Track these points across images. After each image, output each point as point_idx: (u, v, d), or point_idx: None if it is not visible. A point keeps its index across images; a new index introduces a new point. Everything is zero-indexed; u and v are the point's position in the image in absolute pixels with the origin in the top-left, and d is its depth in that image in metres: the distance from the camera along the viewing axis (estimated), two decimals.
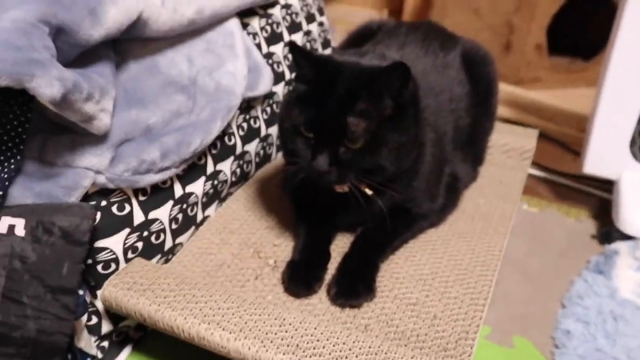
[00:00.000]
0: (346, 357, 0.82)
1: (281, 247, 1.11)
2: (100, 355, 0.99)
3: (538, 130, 1.62)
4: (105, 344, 1.00)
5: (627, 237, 1.40)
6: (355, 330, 0.92)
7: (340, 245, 1.11)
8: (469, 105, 1.29)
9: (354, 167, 0.93)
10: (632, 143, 1.48)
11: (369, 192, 1.00)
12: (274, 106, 1.33)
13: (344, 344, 0.84)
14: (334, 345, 0.84)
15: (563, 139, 2.01)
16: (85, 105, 0.80)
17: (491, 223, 1.21)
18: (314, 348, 0.84)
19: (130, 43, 0.99)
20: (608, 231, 1.44)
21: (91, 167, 0.88)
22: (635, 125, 1.45)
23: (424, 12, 2.69)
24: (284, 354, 0.83)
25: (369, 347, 0.84)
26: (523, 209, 1.57)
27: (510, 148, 1.53)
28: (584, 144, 1.55)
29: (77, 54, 0.82)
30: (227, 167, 1.18)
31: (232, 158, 1.20)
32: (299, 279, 1.01)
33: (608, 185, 1.60)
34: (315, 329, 0.87)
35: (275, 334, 0.85)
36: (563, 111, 2.12)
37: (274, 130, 1.34)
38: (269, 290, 1.02)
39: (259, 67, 1.24)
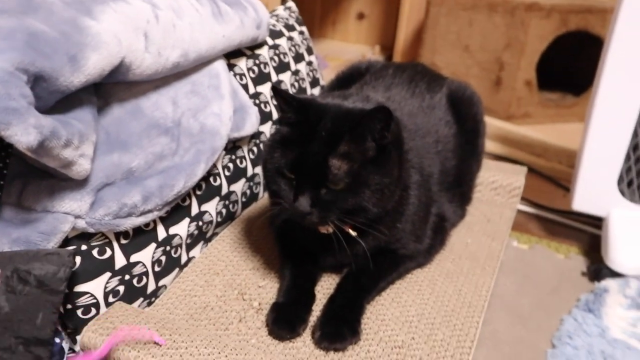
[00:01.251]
0: None
1: (266, 289, 1.10)
2: None
3: (526, 167, 1.62)
4: None
5: (616, 275, 1.39)
6: None
7: (326, 287, 1.10)
8: (456, 146, 1.30)
9: (336, 208, 0.93)
10: (620, 180, 1.48)
11: (352, 233, 1.00)
12: (261, 146, 1.33)
13: None
14: None
15: (553, 174, 2.01)
16: (63, 152, 0.80)
17: (479, 262, 1.20)
18: None
19: (114, 86, 0.99)
20: (598, 268, 1.43)
21: (71, 211, 0.87)
22: (622, 162, 1.46)
23: (415, 49, 2.72)
24: None
25: None
26: (513, 246, 1.57)
27: (498, 185, 1.53)
28: (573, 180, 1.55)
29: (57, 100, 0.82)
30: (212, 207, 1.18)
31: (217, 199, 1.20)
32: (283, 321, 0.99)
33: (598, 221, 1.60)
34: None
35: None
36: (553, 147, 2.13)
37: (260, 169, 1.34)
38: (253, 333, 1.00)
39: (245, 107, 1.25)
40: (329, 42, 3.14)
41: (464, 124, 1.31)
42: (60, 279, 0.79)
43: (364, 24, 3.08)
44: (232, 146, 1.25)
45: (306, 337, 1.00)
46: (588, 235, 1.66)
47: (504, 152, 2.17)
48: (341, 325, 0.98)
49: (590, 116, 1.44)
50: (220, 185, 1.20)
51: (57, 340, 0.85)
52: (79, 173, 0.85)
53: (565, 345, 1.19)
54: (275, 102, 1.39)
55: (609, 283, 1.37)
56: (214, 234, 1.23)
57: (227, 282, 1.11)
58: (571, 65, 2.58)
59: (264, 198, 1.39)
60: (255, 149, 1.32)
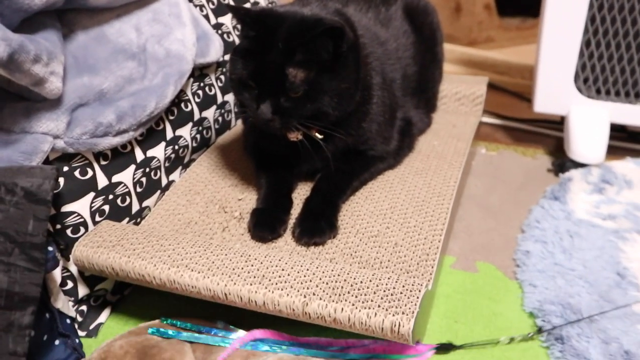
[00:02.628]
0: (310, 281, 0.87)
1: (245, 201, 1.15)
2: (79, 319, 1.02)
3: (487, 78, 1.68)
4: (84, 308, 1.03)
5: (579, 165, 1.47)
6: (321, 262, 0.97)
7: (302, 194, 1.16)
8: (416, 54, 1.35)
9: (296, 114, 0.98)
10: (577, 78, 1.54)
11: (318, 136, 1.05)
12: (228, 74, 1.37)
13: (307, 269, 0.89)
14: (298, 272, 0.89)
15: (517, 90, 2.07)
16: (33, 67, 0.83)
17: (446, 159, 1.27)
18: (280, 276, 0.88)
19: (77, 15, 1.02)
20: (562, 162, 1.51)
21: (48, 131, 0.91)
22: (577, 60, 1.51)
23: None
24: (251, 284, 0.87)
25: (332, 270, 0.89)
26: (482, 153, 1.63)
27: (462, 96, 1.58)
28: (532, 85, 1.61)
29: (21, 20, 0.85)
30: (186, 132, 1.22)
31: (190, 124, 1.24)
32: (264, 223, 1.05)
33: (561, 125, 1.66)
34: (279, 260, 0.91)
35: (242, 268, 0.90)
36: (516, 64, 2.18)
37: (230, 97, 1.38)
38: (236, 239, 1.06)
39: (208, 35, 1.28)
40: None
41: (421, 33, 1.36)
42: (45, 190, 0.83)
43: None
44: (200, 74, 1.29)
45: (287, 237, 1.06)
46: (552, 138, 1.73)
47: (469, 74, 2.22)
48: (319, 221, 1.04)
49: (543, 17, 1.49)
50: (192, 111, 1.24)
51: (50, 248, 0.89)
52: (51, 91, 0.88)
53: (533, 229, 1.26)
54: (238, 32, 1.42)
55: (572, 173, 1.44)
56: (192, 160, 1.28)
57: (208, 199, 1.16)
58: None
59: (237, 126, 1.44)
60: (222, 77, 1.36)
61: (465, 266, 1.18)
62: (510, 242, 1.25)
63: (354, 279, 0.87)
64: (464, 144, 1.34)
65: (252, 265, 0.90)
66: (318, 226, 1.03)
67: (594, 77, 1.53)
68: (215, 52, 1.28)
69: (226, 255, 0.92)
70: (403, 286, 0.85)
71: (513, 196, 1.42)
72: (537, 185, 1.46)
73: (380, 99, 1.15)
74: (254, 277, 0.88)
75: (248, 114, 1.01)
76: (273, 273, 0.89)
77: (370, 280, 0.87)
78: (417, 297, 0.83)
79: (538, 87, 1.58)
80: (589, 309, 1.01)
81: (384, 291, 0.85)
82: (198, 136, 1.27)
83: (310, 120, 1.00)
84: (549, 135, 1.75)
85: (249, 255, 0.92)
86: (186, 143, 1.22)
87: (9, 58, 0.78)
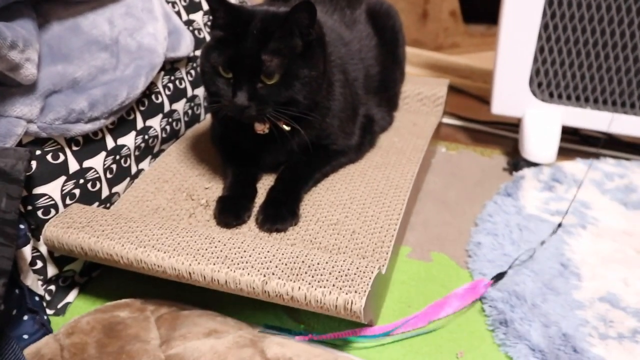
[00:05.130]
0: (270, 261, 0.93)
1: (212, 189, 1.20)
2: (48, 298, 1.05)
3: (448, 80, 1.76)
4: (52, 287, 1.07)
5: (532, 165, 1.55)
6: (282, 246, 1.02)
7: (267, 184, 1.21)
8: (378, 55, 1.41)
9: (271, 101, 1.03)
10: (531, 82, 1.62)
11: (286, 128, 1.11)
12: (197, 69, 1.42)
13: (268, 251, 0.95)
14: (259, 254, 0.94)
15: (479, 93, 2.15)
16: (10, 53, 0.87)
17: (405, 155, 1.33)
18: (241, 257, 0.93)
19: (52, 5, 1.06)
20: (516, 161, 1.59)
21: (22, 116, 0.95)
22: (532, 65, 1.60)
23: None
24: (214, 264, 0.92)
25: (291, 253, 0.94)
26: (442, 152, 1.71)
27: (424, 97, 1.65)
28: (491, 88, 1.69)
29: None
30: (156, 123, 1.27)
31: (160, 115, 1.28)
32: (229, 210, 1.10)
33: (517, 127, 1.74)
34: (242, 242, 0.97)
35: (206, 249, 0.95)
36: (478, 69, 2.26)
37: (200, 91, 1.43)
38: (202, 225, 1.11)
39: (179, 30, 1.33)
40: None
41: (384, 35, 1.43)
42: (18, 170, 0.87)
43: None
44: (171, 67, 1.34)
45: (251, 223, 1.11)
46: (510, 140, 1.81)
47: (434, 77, 2.30)
48: (281, 209, 1.10)
49: (500, 24, 1.58)
50: (162, 103, 1.29)
51: (22, 226, 0.93)
52: (26, 77, 0.92)
53: (486, 222, 1.33)
54: (209, 29, 1.47)
55: (525, 172, 1.52)
56: (161, 150, 1.32)
57: (176, 187, 1.21)
58: None
59: (206, 119, 1.49)
60: (193, 72, 1.41)
61: (420, 256, 1.25)
62: (464, 235, 1.32)
63: (312, 260, 0.93)
64: (422, 141, 1.41)
65: (215, 247, 0.95)
66: (280, 213, 1.09)
67: (547, 82, 1.61)
68: (186, 47, 1.33)
69: (191, 237, 0.98)
70: (357, 268, 0.91)
71: (469, 192, 1.49)
72: (492, 183, 1.53)
73: (342, 95, 1.21)
74: (217, 257, 0.93)
75: (223, 103, 1.05)
76: (235, 254, 0.94)
77: (327, 262, 0.93)
78: (370, 278, 0.90)
79: (496, 90, 1.66)
80: (533, 296, 1.09)
81: (339, 272, 0.91)
82: (168, 127, 1.32)
83: (283, 107, 1.05)
84: (506, 137, 1.83)
85: (213, 238, 0.97)
86: (156, 133, 1.27)
87: None
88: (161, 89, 1.29)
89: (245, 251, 0.95)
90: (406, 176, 1.25)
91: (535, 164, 1.55)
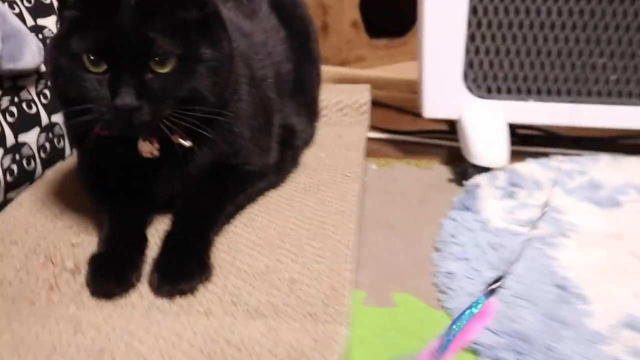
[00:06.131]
0: (174, 347, 0.59)
1: (83, 246, 0.84)
2: None
3: (369, 85, 1.51)
4: None
5: (482, 170, 1.31)
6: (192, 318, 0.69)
7: (161, 229, 0.87)
8: (288, 50, 1.16)
9: (169, 97, 0.73)
10: (465, 77, 1.40)
11: (186, 143, 0.80)
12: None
13: (171, 332, 0.61)
14: (156, 339, 0.60)
15: (398, 103, 1.94)
16: None
17: (337, 171, 1.05)
18: (128, 349, 0.59)
19: None
20: (463, 169, 1.35)
21: None
22: (463, 57, 1.38)
23: None
24: None
25: (206, 330, 0.61)
26: (372, 169, 1.45)
27: (344, 105, 1.40)
28: (419, 90, 1.45)
29: None
30: None
31: (1, 150, 0.92)
32: (108, 272, 0.75)
33: (451, 134, 1.52)
34: (127, 322, 0.62)
35: (69, 344, 0.60)
36: (391, 79, 2.09)
37: (60, 118, 1.07)
38: (69, 299, 0.74)
39: (20, 34, 0.98)
40: None
41: (292, 26, 1.18)
42: None
43: None
44: (12, 85, 0.98)
45: (143, 287, 0.76)
46: (445, 148, 1.58)
47: None
48: (184, 260, 0.76)
49: (421, 13, 1.34)
50: (3, 134, 0.92)
51: None
52: None
53: (450, 245, 1.06)
54: None
55: (478, 179, 1.28)
56: (7, 200, 0.95)
57: (30, 249, 0.84)
58: (393, 8, 2.56)
59: (72, 156, 1.12)
60: (47, 92, 1.05)
61: (379, 301, 0.95)
62: (426, 265, 1.04)
63: (240, 339, 0.60)
64: (355, 154, 1.13)
65: (85, 338, 0.60)
66: (184, 267, 0.75)
67: (483, 75, 1.40)
68: (31, 56, 0.98)
69: (44, 326, 0.62)
70: (314, 340, 0.60)
71: (415, 211, 1.23)
72: (439, 198, 1.28)
73: (250, 96, 0.91)
74: (87, 355, 0.58)
75: (95, 113, 0.72)
76: (118, 345, 0.59)
77: (265, 337, 0.60)
78: (337, 353, 0.58)
79: (425, 91, 1.42)
80: (540, 335, 0.81)
81: (286, 351, 0.58)
82: (15, 167, 0.95)
83: (185, 105, 0.74)
84: (440, 145, 1.60)
85: (80, 322, 0.62)
86: None
87: None
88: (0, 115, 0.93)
89: (133, 336, 0.60)
90: (346, 197, 0.95)
91: (486, 169, 1.31)
